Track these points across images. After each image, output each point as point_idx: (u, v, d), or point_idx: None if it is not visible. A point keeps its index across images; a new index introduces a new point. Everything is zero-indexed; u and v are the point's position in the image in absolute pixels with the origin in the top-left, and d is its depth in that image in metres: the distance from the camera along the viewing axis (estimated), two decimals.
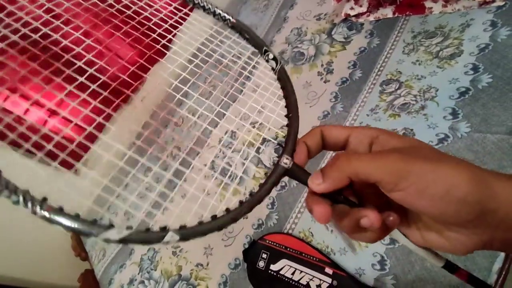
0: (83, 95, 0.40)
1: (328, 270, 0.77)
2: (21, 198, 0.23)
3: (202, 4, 0.43)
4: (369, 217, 0.24)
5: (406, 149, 0.25)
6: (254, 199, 0.29)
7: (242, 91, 1.02)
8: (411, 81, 0.92)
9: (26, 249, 1.47)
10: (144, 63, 0.53)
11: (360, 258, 0.76)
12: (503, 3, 0.87)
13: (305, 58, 1.24)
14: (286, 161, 0.29)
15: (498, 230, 0.22)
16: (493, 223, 0.22)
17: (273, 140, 0.40)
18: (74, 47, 0.42)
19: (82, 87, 0.41)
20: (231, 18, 0.40)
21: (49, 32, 0.42)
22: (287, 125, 0.33)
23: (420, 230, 0.27)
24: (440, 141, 0.78)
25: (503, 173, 0.22)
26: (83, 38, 0.44)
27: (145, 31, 0.51)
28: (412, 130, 0.84)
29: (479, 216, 0.21)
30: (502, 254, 0.63)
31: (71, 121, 0.39)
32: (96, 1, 0.52)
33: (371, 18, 1.15)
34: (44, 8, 0.43)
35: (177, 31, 0.52)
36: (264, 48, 0.38)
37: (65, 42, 0.41)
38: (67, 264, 1.55)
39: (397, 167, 0.23)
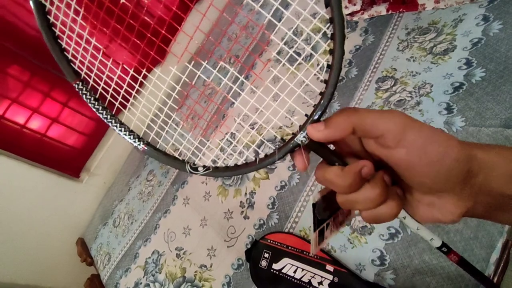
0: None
1: (329, 267, 0.78)
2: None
3: None
4: (367, 165, 0.25)
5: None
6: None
7: None
8: (406, 78, 0.93)
9: (33, 256, 1.49)
10: None
11: (360, 254, 0.77)
12: None
13: (301, 58, 1.25)
14: (302, 139, 0.29)
15: (479, 194, 0.24)
16: (475, 186, 0.24)
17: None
18: None
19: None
20: None
21: None
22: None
23: (412, 206, 0.28)
24: None
25: (484, 143, 0.24)
26: None
27: None
28: None
29: (465, 178, 0.23)
30: (499, 245, 0.64)
31: None
32: None
33: (365, 16, 1.16)
34: None
35: None
36: None
37: None
38: (73, 270, 1.57)
39: (404, 119, 0.24)
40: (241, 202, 1.07)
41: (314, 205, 0.31)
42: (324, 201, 0.31)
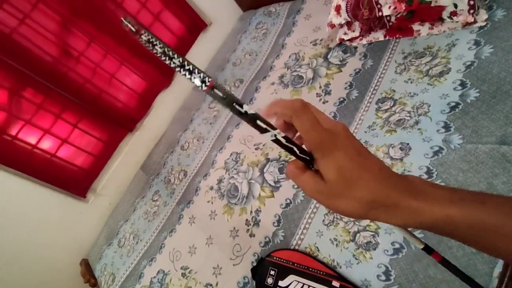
0: None
1: (335, 283, 0.79)
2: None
3: None
4: None
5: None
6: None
7: None
8: (404, 98, 0.98)
9: (36, 277, 1.48)
10: None
11: (366, 269, 0.78)
12: (485, 23, 0.93)
13: (303, 81, 1.31)
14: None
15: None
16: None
17: None
18: None
19: None
20: None
21: None
22: None
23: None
24: (435, 153, 0.82)
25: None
26: None
27: None
28: (408, 144, 0.88)
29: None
30: (501, 260, 0.65)
31: None
32: None
33: (364, 41, 1.23)
34: None
35: None
36: None
37: None
38: None
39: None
40: (246, 220, 1.09)
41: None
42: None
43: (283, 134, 0.27)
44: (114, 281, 1.34)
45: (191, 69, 0.24)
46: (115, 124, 1.74)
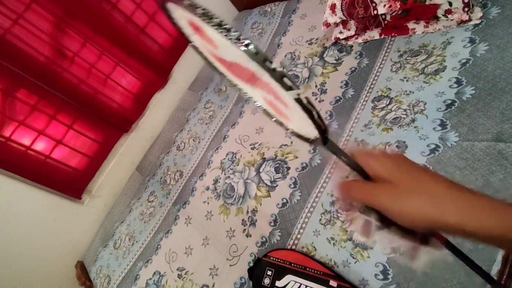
0: None
1: (333, 283, 0.78)
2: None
3: None
4: None
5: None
6: None
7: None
8: (400, 97, 0.97)
9: (32, 280, 1.46)
10: None
11: (363, 268, 0.77)
12: (479, 21, 0.93)
13: (299, 80, 1.30)
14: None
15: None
16: None
17: None
18: None
19: None
20: None
21: None
22: None
23: None
24: (431, 151, 0.81)
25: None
26: None
27: None
28: (404, 142, 0.87)
29: None
30: (499, 257, 0.65)
31: None
32: None
33: (360, 40, 1.22)
34: None
35: None
36: None
37: None
38: None
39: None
40: (243, 220, 1.08)
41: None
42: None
43: (306, 95, 0.28)
44: (110, 283, 1.33)
45: (227, 28, 0.26)
46: (110, 125, 1.72)
